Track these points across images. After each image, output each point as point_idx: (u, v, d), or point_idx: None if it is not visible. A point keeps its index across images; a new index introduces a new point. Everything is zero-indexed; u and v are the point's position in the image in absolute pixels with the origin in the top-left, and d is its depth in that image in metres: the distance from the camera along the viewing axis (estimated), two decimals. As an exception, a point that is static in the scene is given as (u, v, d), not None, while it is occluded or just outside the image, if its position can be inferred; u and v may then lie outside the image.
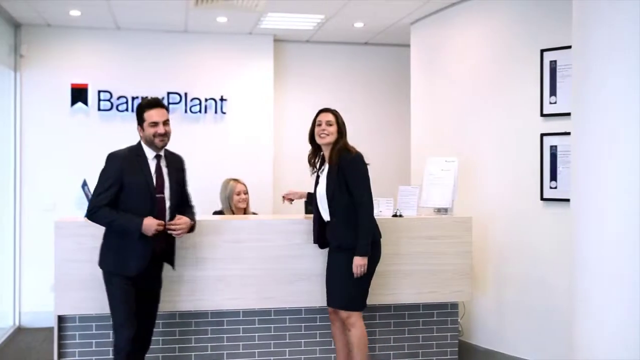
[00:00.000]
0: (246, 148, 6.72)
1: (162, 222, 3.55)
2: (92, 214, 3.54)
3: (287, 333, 4.39)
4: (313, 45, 7.09)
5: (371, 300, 4.06)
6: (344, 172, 3.80)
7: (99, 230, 3.66)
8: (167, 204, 3.62)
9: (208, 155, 6.53)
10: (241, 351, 4.32)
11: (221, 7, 5.64)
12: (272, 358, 4.36)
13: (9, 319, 6.09)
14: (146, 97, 3.48)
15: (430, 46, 5.95)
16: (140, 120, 3.64)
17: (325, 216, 3.94)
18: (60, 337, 4.07)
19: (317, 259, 4.19)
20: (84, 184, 4.63)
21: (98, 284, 3.68)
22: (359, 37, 6.95)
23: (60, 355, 4.07)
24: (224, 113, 6.69)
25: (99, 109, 6.37)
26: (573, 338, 3.15)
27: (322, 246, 4.06)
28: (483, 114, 5.15)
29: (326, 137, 3.88)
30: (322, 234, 4.00)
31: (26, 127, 6.23)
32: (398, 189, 4.73)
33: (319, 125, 3.90)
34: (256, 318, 4.35)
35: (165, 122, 3.62)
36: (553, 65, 4.55)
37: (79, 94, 6.33)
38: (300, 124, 7.00)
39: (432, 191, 4.71)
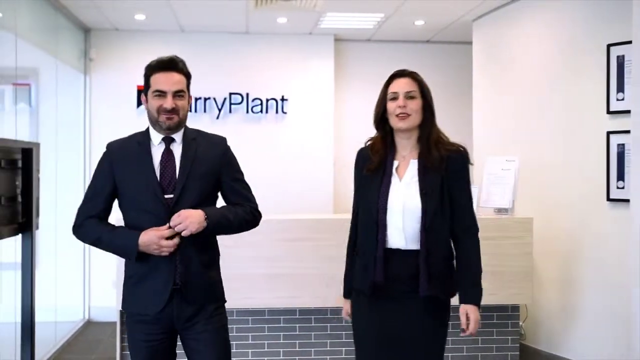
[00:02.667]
0: (307, 147, 6.76)
1: (169, 231, 2.41)
2: (76, 229, 2.59)
3: (344, 332, 4.39)
4: (374, 44, 7.06)
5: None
6: (451, 178, 2.53)
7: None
8: (182, 207, 2.45)
9: (269, 155, 6.61)
10: (297, 349, 4.35)
11: (280, 8, 5.70)
12: (328, 357, 4.37)
13: (79, 313, 6.34)
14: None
15: (493, 43, 5.83)
16: (146, 88, 2.54)
17: (402, 240, 2.51)
18: (122, 332, 4.20)
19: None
20: None
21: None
22: (420, 35, 6.87)
23: (122, 348, 4.21)
24: (285, 113, 6.75)
25: (164, 110, 6.54)
26: (631, 341, 3.03)
27: (376, 292, 2.53)
28: (546, 111, 5.00)
29: (407, 119, 2.53)
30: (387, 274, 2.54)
31: (95, 128, 6.47)
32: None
33: (394, 98, 2.56)
34: (312, 317, 4.37)
35: (178, 94, 2.49)
36: (620, 60, 4.38)
37: (144, 96, 6.52)
38: (360, 124, 7.01)
39: (492, 191, 4.62)
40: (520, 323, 4.72)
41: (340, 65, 6.95)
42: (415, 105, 2.55)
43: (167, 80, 2.48)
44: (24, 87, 5.73)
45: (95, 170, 2.63)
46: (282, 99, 6.75)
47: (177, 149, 2.54)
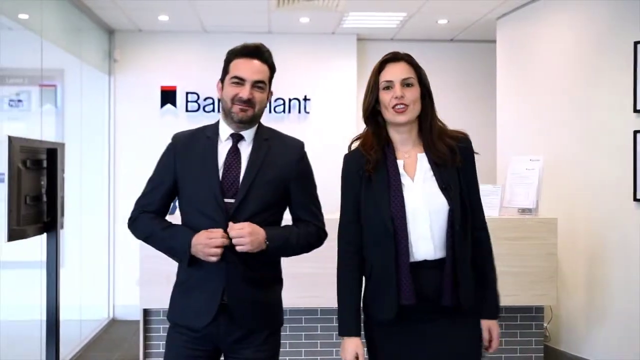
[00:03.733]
0: (329, 147, 6.72)
1: (220, 234, 2.13)
2: (130, 223, 2.38)
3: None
4: (397, 44, 7.03)
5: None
6: (464, 170, 2.19)
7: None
8: (244, 215, 2.18)
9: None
10: (319, 349, 4.35)
11: (302, 7, 5.70)
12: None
13: (104, 312, 6.41)
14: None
15: (517, 41, 5.77)
16: (224, 74, 2.30)
17: (431, 250, 2.12)
18: (145, 330, 4.24)
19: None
20: None
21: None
22: (444, 34, 6.83)
23: (145, 347, 4.25)
24: (308, 113, 6.76)
25: (187, 110, 6.60)
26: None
27: (403, 318, 2.13)
28: (571, 110, 4.94)
29: (406, 111, 2.15)
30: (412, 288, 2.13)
31: (119, 128, 6.53)
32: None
33: (388, 87, 2.17)
34: (333, 317, 4.35)
35: (258, 84, 2.24)
36: (648, 58, 4.30)
37: (168, 96, 6.58)
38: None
39: (516, 191, 4.57)
40: (545, 325, 4.66)
41: (363, 65, 6.93)
42: (414, 94, 2.15)
43: (248, 68, 2.23)
44: (50, 88, 5.82)
45: (158, 162, 2.38)
46: (305, 99, 6.76)
47: (245, 149, 2.27)
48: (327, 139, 6.73)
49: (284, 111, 6.73)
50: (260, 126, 2.33)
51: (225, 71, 2.28)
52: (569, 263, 4.86)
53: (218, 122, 2.33)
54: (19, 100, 5.69)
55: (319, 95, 6.78)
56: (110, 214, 6.47)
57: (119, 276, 6.47)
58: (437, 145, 2.16)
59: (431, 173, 2.15)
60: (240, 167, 2.23)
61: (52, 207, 3.02)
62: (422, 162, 2.17)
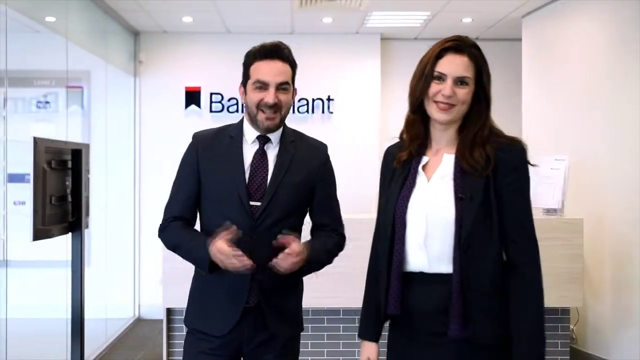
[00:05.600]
0: (353, 147, 6.74)
1: (238, 252, 1.99)
2: (160, 232, 2.27)
3: (386, 333, 4.35)
4: (421, 43, 6.92)
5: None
6: (501, 182, 1.85)
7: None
8: (270, 218, 2.13)
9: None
10: (341, 349, 4.34)
11: (325, 7, 5.70)
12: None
13: (130, 311, 6.47)
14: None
15: (543, 39, 5.70)
16: (245, 78, 2.20)
17: (424, 261, 1.88)
18: (169, 329, 4.28)
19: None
20: None
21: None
22: (468, 33, 6.70)
23: (169, 345, 4.29)
24: (331, 113, 6.75)
25: (211, 111, 6.63)
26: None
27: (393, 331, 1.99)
28: (598, 110, 4.86)
29: (450, 110, 1.89)
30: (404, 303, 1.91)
31: (145, 129, 6.59)
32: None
33: (440, 80, 1.90)
34: (356, 317, 4.34)
35: (283, 86, 2.14)
36: (677, 55, 4.22)
37: (192, 97, 6.63)
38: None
39: (541, 191, 4.51)
40: (571, 327, 4.60)
41: (387, 64, 6.91)
42: (465, 94, 1.88)
43: (270, 70, 2.13)
44: (77, 90, 5.90)
45: (180, 163, 2.27)
46: (329, 99, 6.75)
47: (272, 151, 2.20)
48: (351, 139, 6.72)
49: (307, 111, 6.73)
50: (285, 127, 2.26)
51: (247, 75, 2.18)
52: (595, 264, 4.78)
53: (241, 121, 2.25)
54: (47, 102, 5.78)
55: (342, 95, 6.77)
56: (136, 214, 6.53)
57: (145, 275, 6.53)
58: (474, 151, 1.86)
59: (451, 177, 1.87)
60: (267, 170, 2.17)
61: (77, 207, 3.06)
62: (446, 163, 1.90)
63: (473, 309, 1.79)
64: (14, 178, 4.41)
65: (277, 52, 2.16)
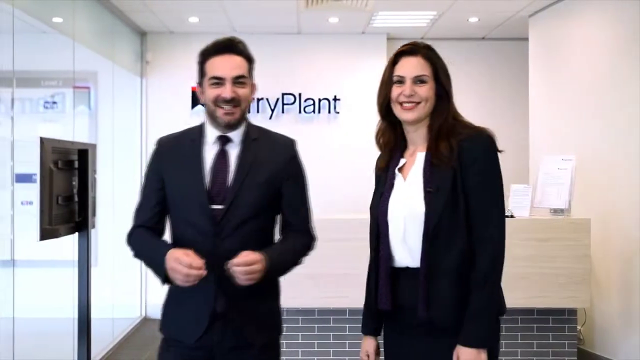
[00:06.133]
0: (360, 147, 6.71)
1: (192, 259, 1.91)
2: (127, 239, 2.21)
3: (394, 333, 4.35)
4: (428, 42, 6.93)
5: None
6: (465, 171, 1.92)
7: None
8: (233, 221, 2.05)
9: (322, 155, 6.62)
10: (347, 349, 4.34)
11: (331, 7, 5.71)
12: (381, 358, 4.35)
13: (137, 310, 6.49)
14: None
15: (550, 39, 5.68)
16: (201, 77, 2.13)
17: (409, 259, 1.97)
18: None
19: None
20: None
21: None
22: (475, 32, 6.76)
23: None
24: (338, 113, 6.75)
25: (217, 111, 6.65)
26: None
27: (384, 323, 2.10)
28: (606, 109, 4.84)
29: (414, 109, 1.98)
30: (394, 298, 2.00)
31: (151, 129, 6.61)
32: (510, 188, 4.55)
33: (400, 83, 1.99)
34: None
35: (239, 80, 2.08)
36: (684, 54, 4.20)
37: (198, 97, 6.64)
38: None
39: (547, 191, 4.49)
40: (579, 328, 4.58)
41: (392, 64, 6.90)
42: (426, 91, 1.96)
43: (225, 65, 2.07)
44: (84, 91, 5.92)
45: (146, 170, 2.25)
46: (335, 99, 6.75)
47: (234, 151, 2.11)
48: (357, 138, 6.70)
49: (313, 111, 6.74)
50: (249, 126, 2.17)
51: (202, 73, 2.11)
52: (603, 265, 4.77)
53: (202, 124, 2.17)
54: (54, 102, 5.80)
55: (348, 95, 6.76)
56: (142, 214, 6.55)
57: (151, 275, 6.46)
58: (439, 144, 1.94)
59: (421, 174, 1.96)
60: (228, 171, 2.09)
61: (84, 207, 3.06)
62: (419, 162, 1.99)
63: (435, 297, 1.89)
64: (22, 178, 4.42)
65: (230, 46, 2.12)
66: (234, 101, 2.06)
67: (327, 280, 4.17)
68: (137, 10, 5.81)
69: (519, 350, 4.40)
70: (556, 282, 4.24)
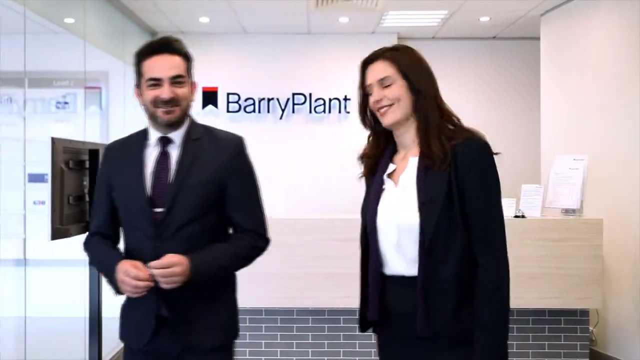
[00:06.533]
0: (369, 147, 6.73)
1: (140, 271, 1.92)
2: (84, 246, 2.22)
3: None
4: (439, 42, 6.96)
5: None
6: (461, 178, 1.83)
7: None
8: (175, 223, 2.02)
9: (332, 155, 6.61)
10: (357, 349, 4.34)
11: (341, 7, 5.70)
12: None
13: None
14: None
15: (562, 38, 5.65)
16: (138, 79, 2.10)
17: (404, 267, 1.87)
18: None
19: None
20: None
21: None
22: (486, 32, 6.73)
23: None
24: (348, 112, 6.74)
25: (228, 111, 6.67)
26: None
27: (377, 329, 2.01)
28: (618, 109, 4.80)
29: (389, 111, 1.91)
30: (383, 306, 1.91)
31: (162, 129, 6.63)
32: (521, 188, 4.53)
33: (371, 91, 1.95)
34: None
35: (177, 80, 2.04)
36: (698, 53, 4.16)
37: (209, 97, 6.66)
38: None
39: (559, 191, 4.47)
40: (591, 329, 4.55)
41: (403, 64, 6.87)
42: (393, 91, 1.89)
43: (161, 65, 2.02)
44: (95, 91, 5.94)
45: (97, 177, 2.27)
46: (345, 99, 6.74)
47: (175, 152, 2.08)
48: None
49: (324, 111, 6.74)
50: (193, 125, 2.13)
51: (139, 75, 2.07)
52: (615, 265, 4.73)
53: (147, 127, 2.16)
54: (65, 103, 5.83)
55: (359, 95, 6.75)
56: (153, 213, 6.58)
57: (162, 275, 6.56)
58: (431, 144, 1.85)
59: (414, 181, 1.86)
60: (169, 173, 2.05)
61: (94, 207, 3.07)
62: (412, 166, 1.90)
63: (434, 309, 1.80)
64: (34, 178, 4.45)
65: (166, 45, 2.06)
66: (173, 101, 2.03)
67: (338, 280, 4.17)
68: (148, 11, 5.83)
69: (530, 351, 4.37)
70: (568, 283, 4.21)
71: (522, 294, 4.20)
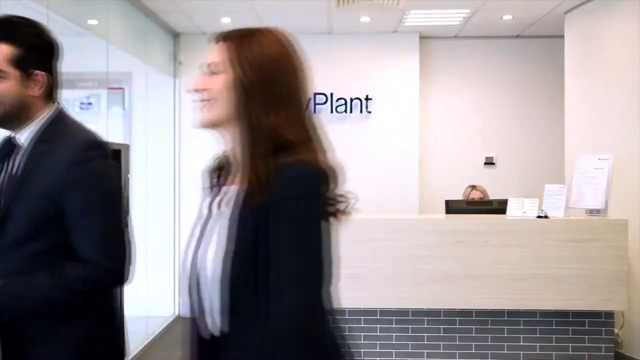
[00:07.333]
0: (392, 147, 6.70)
1: None
2: None
3: (425, 334, 4.31)
4: (461, 41, 6.90)
5: (515, 304, 3.92)
6: (266, 217, 1.32)
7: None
8: (8, 240, 1.68)
9: (354, 155, 6.58)
10: (378, 350, 4.32)
11: (362, 7, 5.68)
12: (409, 359, 4.31)
13: (170, 309, 6.55)
14: None
15: (586, 36, 5.57)
16: None
17: (213, 324, 1.38)
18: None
19: (456, 260, 4.08)
20: None
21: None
22: (509, 30, 6.67)
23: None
24: (370, 112, 6.72)
25: (249, 111, 6.68)
26: None
27: None
28: (644, 107, 4.73)
29: (202, 109, 1.45)
30: None
31: (184, 129, 6.67)
32: (544, 188, 4.47)
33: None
34: (393, 318, 4.32)
35: None
36: None
37: (231, 98, 6.68)
38: (447, 122, 6.94)
39: (583, 191, 4.40)
40: (616, 331, 4.48)
41: (425, 63, 6.84)
42: (216, 83, 1.40)
43: None
44: (118, 92, 6.00)
45: None
46: (367, 99, 6.73)
47: (19, 155, 1.72)
48: (390, 138, 6.69)
49: (345, 111, 6.72)
50: (52, 124, 1.75)
51: None
52: (641, 266, 4.65)
53: None
54: (89, 103, 5.89)
55: (381, 95, 6.73)
56: (175, 213, 6.62)
57: (184, 274, 6.60)
58: (247, 165, 1.38)
59: (220, 213, 1.41)
60: (5, 179, 1.72)
61: (116, 207, 3.08)
62: (229, 193, 1.43)
63: None
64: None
65: None
66: None
67: (358, 280, 4.16)
68: (170, 12, 5.87)
69: (553, 353, 4.31)
70: (592, 284, 4.14)
71: (545, 295, 4.15)
